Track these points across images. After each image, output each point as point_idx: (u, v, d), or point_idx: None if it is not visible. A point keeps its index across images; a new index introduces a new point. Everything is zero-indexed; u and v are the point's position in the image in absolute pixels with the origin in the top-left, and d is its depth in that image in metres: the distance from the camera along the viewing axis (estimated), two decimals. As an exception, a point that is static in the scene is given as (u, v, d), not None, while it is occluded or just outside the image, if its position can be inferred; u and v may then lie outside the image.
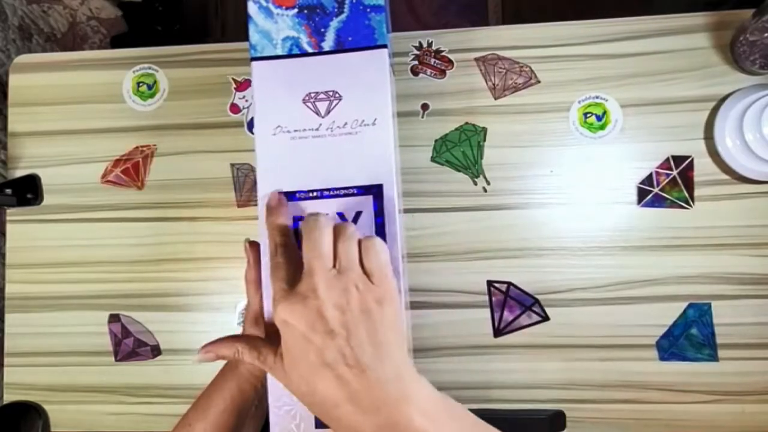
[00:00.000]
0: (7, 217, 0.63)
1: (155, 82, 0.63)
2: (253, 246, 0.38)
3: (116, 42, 1.20)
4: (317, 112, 0.37)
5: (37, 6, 1.09)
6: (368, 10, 0.38)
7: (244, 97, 0.62)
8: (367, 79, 0.37)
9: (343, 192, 0.36)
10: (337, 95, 0.37)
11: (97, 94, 0.63)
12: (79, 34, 1.21)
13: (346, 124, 0.37)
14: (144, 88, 0.63)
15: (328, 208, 0.36)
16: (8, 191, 0.60)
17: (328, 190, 0.36)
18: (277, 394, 0.36)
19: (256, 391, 0.42)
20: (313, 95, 0.37)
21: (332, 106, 0.37)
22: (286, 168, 0.37)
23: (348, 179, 0.36)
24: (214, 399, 0.41)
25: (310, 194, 0.36)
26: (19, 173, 0.63)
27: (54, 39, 1.14)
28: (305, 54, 0.38)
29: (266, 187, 0.37)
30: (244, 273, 0.39)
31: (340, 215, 0.36)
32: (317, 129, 0.37)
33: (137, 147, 0.62)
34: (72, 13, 1.20)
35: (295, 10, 0.39)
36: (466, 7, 1.30)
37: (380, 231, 0.36)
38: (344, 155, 0.37)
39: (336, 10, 0.39)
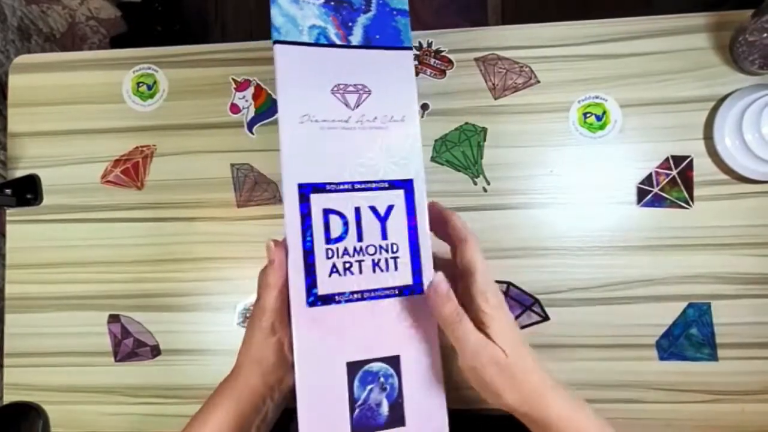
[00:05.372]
0: (7, 218, 0.63)
1: (155, 82, 0.63)
2: (280, 246, 0.34)
3: (116, 42, 1.20)
4: (347, 104, 0.37)
5: (36, 6, 1.09)
6: (394, 12, 0.39)
7: (243, 97, 0.62)
8: (395, 77, 0.37)
9: (375, 185, 0.36)
10: (366, 89, 0.37)
11: (96, 94, 0.63)
12: (78, 34, 1.21)
13: (375, 118, 0.37)
14: (144, 88, 0.63)
15: (360, 201, 0.35)
16: (8, 191, 0.59)
17: (360, 182, 0.36)
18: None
19: (257, 410, 0.38)
20: (342, 87, 0.37)
21: (362, 100, 0.37)
22: (314, 158, 0.35)
23: (378, 173, 0.36)
24: (209, 422, 0.37)
25: (341, 186, 0.35)
26: (19, 173, 0.63)
27: (53, 39, 1.14)
28: (333, 45, 0.37)
29: (292, 175, 0.35)
30: (258, 275, 0.35)
31: (372, 209, 0.36)
32: (347, 121, 0.36)
33: (137, 147, 0.62)
34: (71, 14, 1.20)
35: (322, 0, 0.38)
36: (466, 7, 1.30)
37: (412, 225, 0.36)
38: (374, 149, 0.36)
39: (363, 7, 0.39)
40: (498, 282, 0.57)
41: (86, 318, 0.61)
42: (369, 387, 0.34)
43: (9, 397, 0.61)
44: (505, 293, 0.57)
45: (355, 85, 0.37)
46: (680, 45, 0.57)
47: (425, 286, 0.36)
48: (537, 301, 0.57)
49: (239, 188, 0.61)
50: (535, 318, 0.57)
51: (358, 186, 0.35)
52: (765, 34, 0.51)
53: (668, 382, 0.56)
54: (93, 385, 0.61)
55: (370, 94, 0.37)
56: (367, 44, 0.38)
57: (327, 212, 0.35)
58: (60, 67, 0.64)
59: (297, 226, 0.34)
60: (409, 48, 0.38)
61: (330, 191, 0.35)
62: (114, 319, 0.61)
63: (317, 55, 0.37)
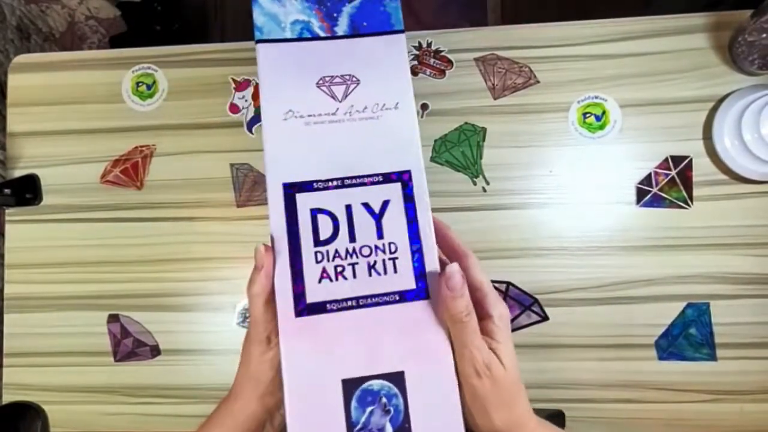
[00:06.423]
0: (6, 218, 0.63)
1: (154, 82, 0.63)
2: (269, 251, 0.32)
3: (115, 42, 1.20)
4: (333, 96, 0.34)
5: (36, 6, 1.09)
6: None
7: (243, 96, 0.62)
8: (386, 63, 0.35)
9: (367, 180, 0.33)
10: (354, 79, 0.35)
11: (96, 94, 0.63)
12: (77, 33, 1.21)
13: (365, 108, 0.34)
14: (143, 88, 0.63)
15: (351, 197, 0.33)
16: (7, 191, 0.59)
17: (350, 178, 0.33)
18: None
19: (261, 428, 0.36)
20: (327, 79, 0.35)
21: (349, 90, 0.35)
22: (300, 156, 0.33)
23: (371, 166, 0.33)
24: None
25: (330, 183, 0.33)
26: (18, 173, 0.63)
27: (52, 39, 1.14)
28: (317, 38, 0.35)
29: (276, 176, 0.33)
30: (247, 285, 0.33)
31: (365, 205, 0.33)
32: (334, 113, 0.34)
33: (136, 147, 0.62)
34: (70, 13, 1.20)
35: None
36: (466, 7, 1.30)
37: (412, 219, 0.33)
38: (366, 141, 0.34)
39: None
40: (497, 282, 0.58)
41: (86, 318, 0.61)
42: (369, 409, 0.30)
43: (8, 397, 0.61)
44: (505, 293, 0.57)
45: (342, 75, 0.35)
46: (679, 45, 0.57)
47: (431, 288, 0.32)
48: (536, 301, 0.57)
49: (239, 188, 0.61)
50: (535, 318, 0.57)
51: (348, 182, 0.33)
52: (764, 35, 0.51)
53: (667, 382, 0.56)
54: (92, 385, 0.61)
55: (358, 83, 0.35)
56: (354, 33, 0.36)
57: (315, 212, 0.32)
58: (59, 67, 0.64)
59: (282, 228, 0.32)
60: (401, 31, 0.36)
61: (318, 189, 0.33)
62: (113, 319, 0.61)
63: (301, 50, 0.35)
